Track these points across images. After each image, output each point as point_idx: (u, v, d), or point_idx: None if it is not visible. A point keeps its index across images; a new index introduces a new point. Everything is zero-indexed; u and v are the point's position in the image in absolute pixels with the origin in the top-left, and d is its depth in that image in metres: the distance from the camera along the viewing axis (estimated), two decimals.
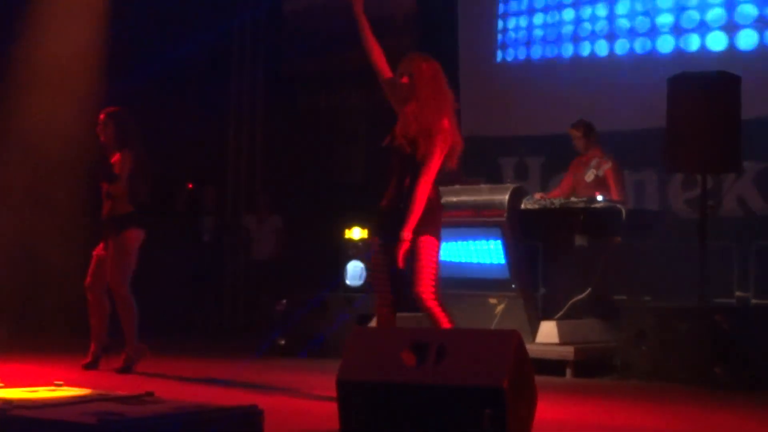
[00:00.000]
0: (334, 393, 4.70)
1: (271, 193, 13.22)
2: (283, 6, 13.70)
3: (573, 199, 8.54)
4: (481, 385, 4.38)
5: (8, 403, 4.13)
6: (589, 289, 8.45)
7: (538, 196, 8.66)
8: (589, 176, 8.98)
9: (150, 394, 4.60)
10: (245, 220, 13.28)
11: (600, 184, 8.90)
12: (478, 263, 8.47)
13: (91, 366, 7.77)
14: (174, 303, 12.22)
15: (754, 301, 9.05)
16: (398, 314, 9.18)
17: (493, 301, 8.35)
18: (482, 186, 8.73)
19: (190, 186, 13.48)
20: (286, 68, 13.70)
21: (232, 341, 11.14)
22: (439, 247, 5.87)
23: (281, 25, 13.71)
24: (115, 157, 7.84)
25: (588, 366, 8.11)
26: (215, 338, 11.60)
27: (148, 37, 12.15)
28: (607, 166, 8.92)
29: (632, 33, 10.50)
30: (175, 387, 6.84)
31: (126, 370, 7.62)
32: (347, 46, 12.86)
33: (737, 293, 9.10)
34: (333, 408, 4.71)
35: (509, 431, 4.33)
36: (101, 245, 7.89)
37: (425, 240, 5.78)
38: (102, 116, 7.95)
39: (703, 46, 10.05)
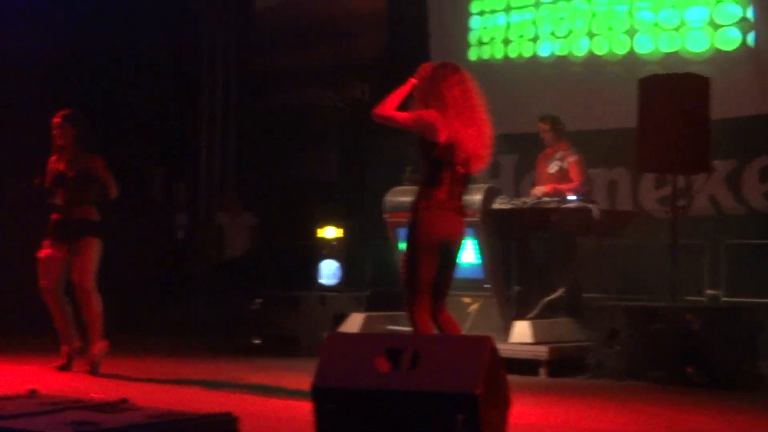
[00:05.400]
0: (309, 396, 4.71)
1: (244, 191, 13.21)
2: (254, 2, 13.68)
3: (545, 198, 8.59)
4: (455, 391, 4.40)
5: None
6: (562, 289, 8.50)
7: (538, 193, 8.74)
8: (553, 168, 9.13)
9: (124, 401, 4.59)
10: (218, 218, 13.25)
11: (563, 176, 9.03)
12: None
13: (65, 368, 7.74)
14: (146, 301, 12.20)
15: (724, 299, 9.13)
16: (374, 313, 9.28)
17: (467, 300, 8.38)
18: None
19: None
20: (257, 65, 13.68)
21: (205, 340, 11.12)
22: (409, 254, 5.87)
23: (252, 21, 13.69)
24: (63, 161, 7.84)
25: (561, 365, 8.15)
26: (188, 337, 11.57)
27: (116, 34, 12.10)
28: (572, 159, 9.06)
29: (609, 32, 10.56)
30: (149, 390, 6.82)
31: (94, 370, 7.62)
32: (318, 43, 12.88)
33: (708, 291, 9.19)
34: (308, 411, 4.72)
35: None
36: (47, 244, 7.83)
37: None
38: (57, 119, 7.87)
39: (680, 47, 10.11)
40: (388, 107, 5.87)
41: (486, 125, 5.84)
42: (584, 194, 8.85)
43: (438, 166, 5.77)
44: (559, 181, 9.00)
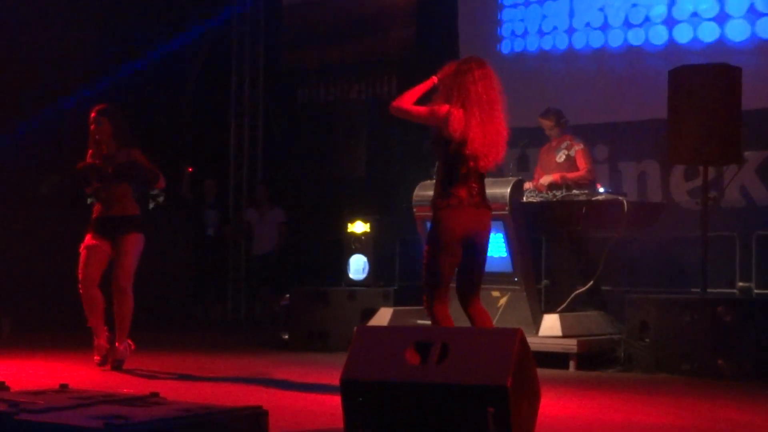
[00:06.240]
0: (338, 390, 4.71)
1: (273, 187, 13.24)
2: None
3: (575, 191, 8.55)
4: (484, 383, 4.39)
5: (14, 407, 4.14)
6: (592, 282, 8.47)
7: (529, 185, 8.71)
8: (560, 157, 9.16)
9: (155, 394, 4.60)
10: (247, 214, 13.29)
11: (571, 164, 9.04)
12: None
13: (103, 363, 7.76)
14: (176, 297, 12.25)
15: (756, 291, 9.06)
16: (402, 308, 9.27)
17: (495, 294, 8.36)
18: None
19: (190, 170, 13.50)
20: (286, 61, 13.70)
21: (235, 335, 11.16)
22: (429, 252, 5.87)
23: (280, 17, 13.71)
24: (100, 156, 7.84)
25: (591, 359, 8.12)
26: (218, 332, 11.62)
27: (147, 29, 12.17)
28: (579, 147, 9.08)
29: (626, 24, 10.53)
30: (179, 385, 6.85)
31: (118, 366, 7.66)
32: (347, 38, 12.88)
33: (739, 284, 9.12)
34: (337, 405, 4.72)
35: (513, 430, 4.34)
36: (90, 237, 7.85)
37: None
38: (94, 114, 7.86)
39: (695, 38, 10.06)
40: (406, 101, 5.88)
41: (502, 123, 5.84)
42: (591, 181, 8.83)
43: (453, 163, 5.77)
44: (567, 170, 9.02)
